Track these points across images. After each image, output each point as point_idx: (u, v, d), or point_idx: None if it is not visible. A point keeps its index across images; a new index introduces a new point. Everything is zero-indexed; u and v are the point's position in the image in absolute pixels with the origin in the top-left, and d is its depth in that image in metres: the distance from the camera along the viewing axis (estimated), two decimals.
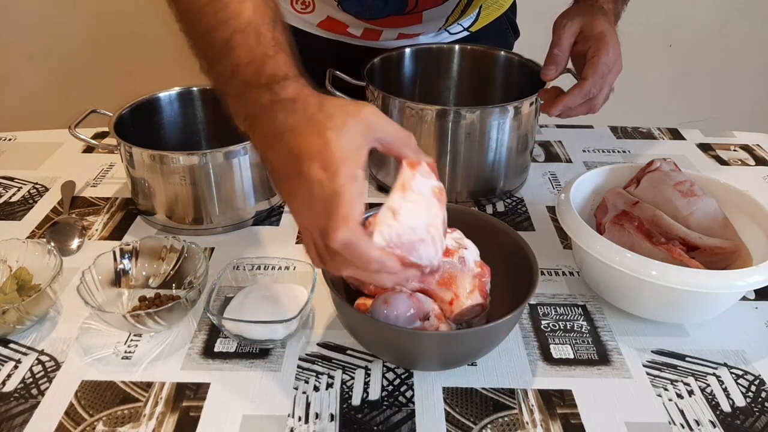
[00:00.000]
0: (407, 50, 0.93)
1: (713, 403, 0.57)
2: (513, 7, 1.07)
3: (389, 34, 0.97)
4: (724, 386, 0.58)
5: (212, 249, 0.75)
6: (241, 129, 0.52)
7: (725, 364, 0.61)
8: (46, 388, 0.57)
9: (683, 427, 0.54)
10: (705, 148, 1.00)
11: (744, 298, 0.68)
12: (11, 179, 0.89)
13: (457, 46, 0.95)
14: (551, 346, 0.62)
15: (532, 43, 0.97)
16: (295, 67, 0.51)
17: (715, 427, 0.54)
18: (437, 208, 0.49)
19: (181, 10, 0.56)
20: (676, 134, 1.04)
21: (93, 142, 0.79)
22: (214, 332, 0.63)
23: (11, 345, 0.62)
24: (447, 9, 0.92)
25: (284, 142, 0.46)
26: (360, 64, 0.86)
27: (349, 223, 0.43)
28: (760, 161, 0.97)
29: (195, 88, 0.85)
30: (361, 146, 0.46)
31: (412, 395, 0.57)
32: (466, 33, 1.02)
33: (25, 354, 0.61)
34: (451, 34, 1.01)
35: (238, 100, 0.51)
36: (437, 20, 0.94)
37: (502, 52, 0.93)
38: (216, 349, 0.61)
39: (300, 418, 0.54)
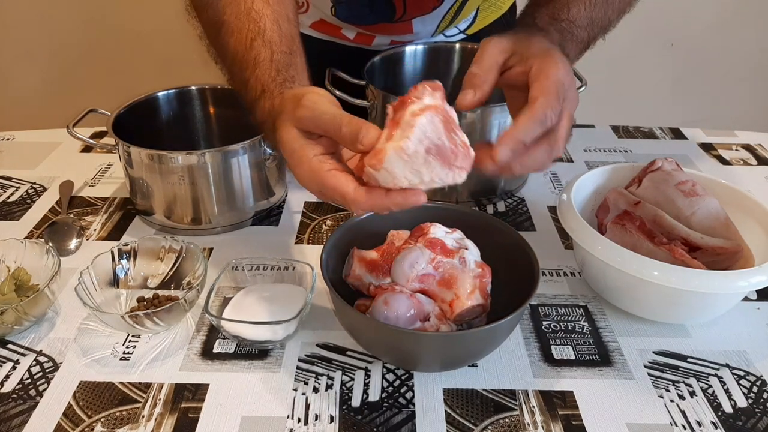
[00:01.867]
0: (407, 49, 0.92)
1: (715, 404, 0.56)
2: (513, 10, 1.07)
3: (381, 39, 0.96)
4: (725, 387, 0.58)
5: (211, 249, 0.75)
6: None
7: (727, 365, 0.60)
8: (45, 389, 0.57)
9: (685, 428, 0.54)
10: (707, 147, 1.00)
11: (746, 299, 0.68)
12: (9, 179, 0.89)
13: (457, 45, 0.94)
14: (552, 347, 0.62)
15: None
16: (261, 81, 0.56)
17: (716, 428, 0.54)
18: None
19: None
20: (677, 134, 1.04)
21: (91, 141, 0.79)
22: (213, 333, 0.63)
23: (9, 346, 0.61)
24: (436, 17, 0.92)
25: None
26: (354, 65, 0.86)
27: (348, 196, 0.47)
28: (762, 161, 0.96)
29: (193, 88, 0.85)
30: (304, 147, 0.49)
31: (413, 396, 0.56)
32: (462, 36, 1.02)
33: (23, 355, 0.60)
34: (446, 37, 1.01)
35: (256, 104, 0.57)
36: (428, 27, 0.94)
37: None
38: (215, 350, 0.61)
39: (299, 420, 0.54)
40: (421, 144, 0.45)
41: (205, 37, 0.66)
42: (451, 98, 1.01)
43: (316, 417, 0.54)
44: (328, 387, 0.57)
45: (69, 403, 0.55)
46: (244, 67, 0.58)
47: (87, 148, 0.96)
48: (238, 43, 0.59)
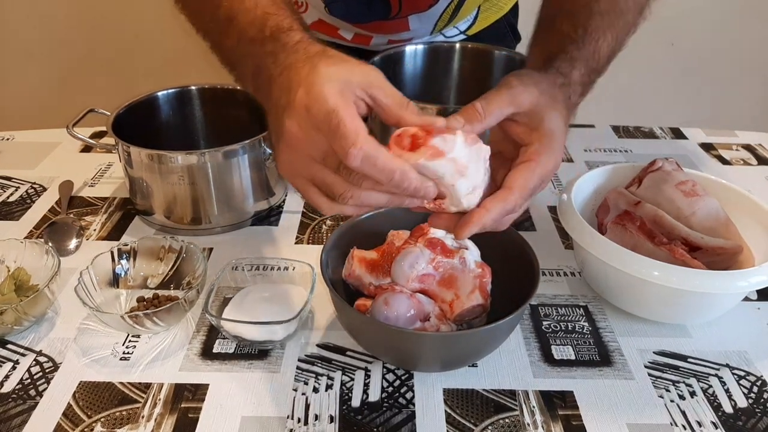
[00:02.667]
0: (407, 49, 0.92)
1: (715, 404, 0.56)
2: (514, 11, 1.06)
3: (379, 39, 0.96)
4: (726, 387, 0.58)
5: (211, 249, 0.75)
6: (249, 90, 0.52)
7: (727, 365, 0.60)
8: (44, 389, 0.57)
9: (685, 428, 0.54)
10: (707, 147, 1.00)
11: (746, 299, 0.68)
12: (9, 179, 0.89)
13: (458, 45, 0.94)
14: (552, 347, 0.61)
15: None
16: (300, 23, 0.51)
17: (717, 428, 0.54)
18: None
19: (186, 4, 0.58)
20: (678, 133, 1.04)
21: (91, 141, 0.79)
22: (213, 333, 0.63)
23: (9, 346, 0.61)
24: (433, 15, 0.92)
25: (281, 79, 0.47)
26: None
27: (362, 133, 0.42)
28: (762, 161, 0.96)
29: (193, 88, 0.85)
30: (350, 87, 0.45)
31: (413, 396, 0.56)
32: (462, 36, 1.01)
33: (23, 355, 0.60)
34: (446, 37, 1.00)
35: (244, 60, 0.51)
36: (425, 26, 0.94)
37: (504, 51, 0.92)
38: (215, 350, 0.61)
39: (299, 420, 0.54)
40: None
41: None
42: (453, 97, 1.01)
43: (316, 417, 0.54)
44: (328, 387, 0.57)
45: (69, 403, 0.55)
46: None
47: (87, 148, 0.96)
48: None
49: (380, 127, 0.82)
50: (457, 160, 0.46)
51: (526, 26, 1.09)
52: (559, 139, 0.52)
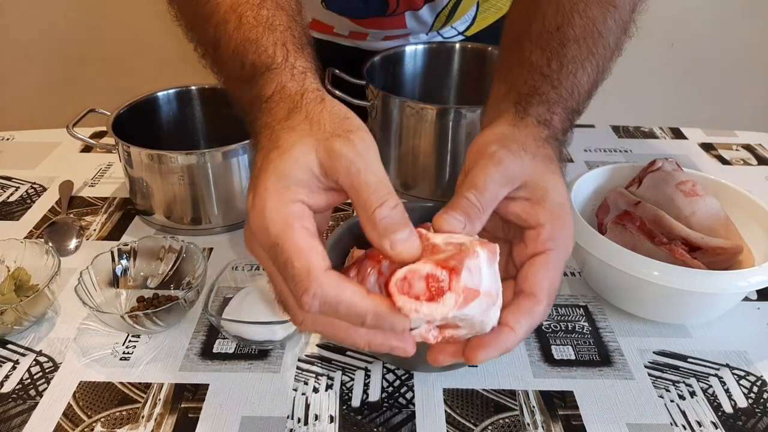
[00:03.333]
0: (407, 49, 0.92)
1: (715, 404, 0.56)
2: None
3: (375, 35, 0.96)
4: (726, 387, 0.58)
5: (211, 249, 0.75)
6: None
7: (727, 365, 0.60)
8: (44, 389, 0.57)
9: (685, 428, 0.54)
10: (707, 147, 1.00)
11: (746, 299, 0.68)
12: (9, 179, 0.89)
13: (457, 45, 0.94)
14: (552, 347, 0.61)
15: None
16: (282, 46, 0.43)
17: (717, 428, 0.54)
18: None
19: (181, 13, 0.53)
20: (678, 133, 1.04)
21: (91, 141, 0.79)
22: (213, 333, 0.63)
23: (9, 346, 0.61)
24: (430, 14, 0.91)
25: (254, 151, 0.40)
26: (352, 64, 0.86)
27: (314, 272, 0.34)
28: (762, 161, 0.96)
29: (193, 88, 0.85)
30: (306, 181, 0.37)
31: (413, 396, 0.56)
32: (461, 37, 1.01)
33: (23, 355, 0.60)
34: (445, 38, 1.00)
35: (235, 102, 0.46)
36: (421, 24, 0.94)
37: None
38: (215, 350, 0.61)
39: (299, 420, 0.54)
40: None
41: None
42: (453, 97, 1.01)
43: (316, 417, 0.54)
44: (328, 387, 0.57)
45: (69, 403, 0.55)
46: (251, 25, 0.44)
47: (87, 148, 0.96)
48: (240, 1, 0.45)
49: (380, 124, 0.82)
50: (489, 292, 0.36)
51: None
52: (569, 211, 0.43)
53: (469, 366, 0.59)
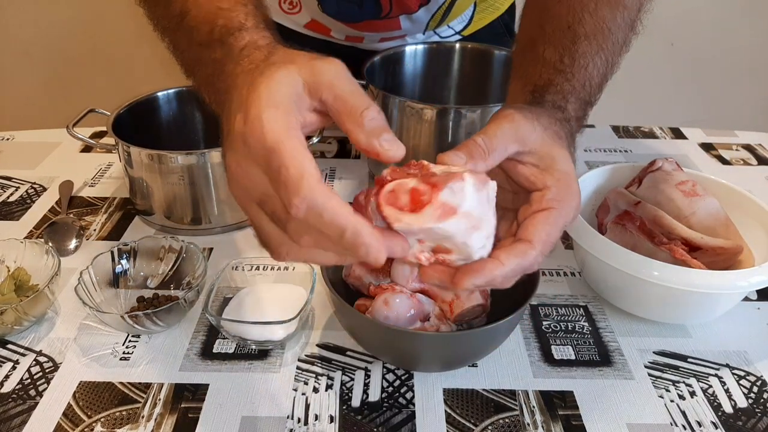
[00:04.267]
0: (407, 49, 0.92)
1: (715, 404, 0.56)
2: (511, 12, 1.06)
3: (371, 37, 0.96)
4: (726, 387, 0.58)
5: (211, 249, 0.75)
6: (207, 101, 0.46)
7: (727, 365, 0.60)
8: (44, 389, 0.57)
9: (685, 428, 0.54)
10: (707, 147, 1.00)
11: (746, 299, 0.68)
12: (9, 179, 0.89)
13: (457, 45, 0.94)
14: (552, 347, 0.62)
15: None
16: (253, 17, 0.44)
17: (717, 428, 0.54)
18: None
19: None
20: (678, 133, 1.04)
21: (91, 141, 0.79)
22: (213, 333, 0.63)
23: (9, 346, 0.61)
24: (425, 16, 0.92)
25: (225, 98, 0.41)
26: (351, 65, 0.85)
27: (307, 178, 0.35)
28: (762, 161, 0.96)
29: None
30: (295, 104, 0.38)
31: (413, 396, 0.56)
32: (458, 37, 1.02)
33: (23, 355, 0.60)
34: (442, 38, 1.00)
35: (197, 67, 0.46)
36: (416, 25, 0.94)
37: (504, 51, 0.92)
38: (215, 350, 0.61)
39: (299, 420, 0.54)
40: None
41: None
42: (453, 97, 1.01)
43: (316, 417, 0.54)
44: (328, 387, 0.57)
45: (69, 403, 0.55)
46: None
47: (87, 148, 0.96)
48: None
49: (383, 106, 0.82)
50: (470, 214, 0.38)
51: None
52: (575, 180, 0.45)
53: (469, 366, 0.59)
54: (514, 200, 0.47)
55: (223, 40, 0.43)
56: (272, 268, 0.68)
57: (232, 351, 0.61)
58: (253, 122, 0.36)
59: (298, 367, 0.59)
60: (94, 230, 0.78)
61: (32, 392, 0.56)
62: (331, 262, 0.39)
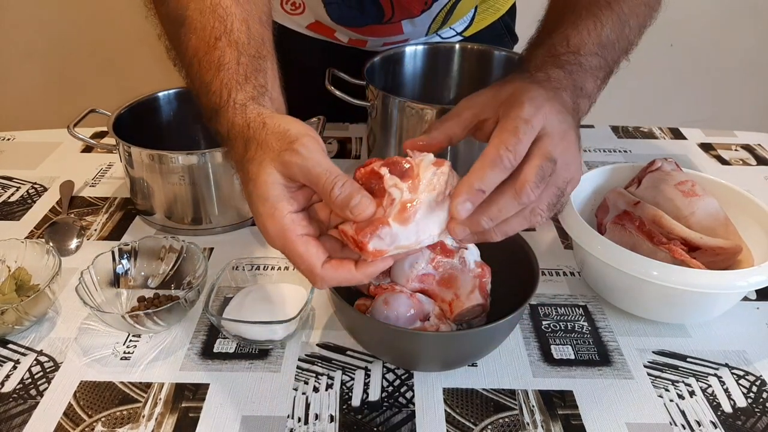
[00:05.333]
0: (407, 49, 0.92)
1: (714, 403, 0.56)
2: (511, 13, 1.06)
3: (375, 42, 0.97)
4: (725, 387, 0.58)
5: (211, 249, 0.75)
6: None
7: (726, 365, 0.60)
8: (45, 389, 0.57)
9: (684, 428, 0.54)
10: (706, 147, 1.00)
11: (745, 299, 0.68)
12: (10, 179, 0.89)
13: (457, 46, 0.94)
14: (552, 347, 0.62)
15: None
16: (226, 86, 0.50)
17: (716, 427, 0.54)
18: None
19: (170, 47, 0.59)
20: (677, 134, 1.04)
21: (92, 141, 0.79)
22: (214, 333, 0.63)
23: (10, 345, 0.61)
24: (426, 19, 0.92)
25: (240, 179, 0.49)
26: (353, 64, 0.86)
27: (316, 265, 0.45)
28: (761, 161, 0.96)
29: None
30: (282, 190, 0.46)
31: (413, 396, 0.56)
32: (459, 38, 1.02)
33: (23, 354, 0.60)
34: (443, 38, 1.01)
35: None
36: (418, 29, 0.94)
37: (503, 52, 0.92)
38: (215, 350, 0.61)
39: (299, 419, 0.54)
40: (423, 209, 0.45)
41: (164, 35, 0.59)
42: (453, 98, 1.01)
43: (317, 416, 0.54)
44: (329, 387, 0.57)
45: (69, 402, 0.55)
46: (206, 68, 0.51)
47: (87, 148, 0.97)
48: (200, 42, 0.52)
49: (380, 124, 0.82)
50: (402, 245, 0.46)
51: (523, 28, 1.10)
52: (525, 92, 0.48)
53: (469, 366, 0.59)
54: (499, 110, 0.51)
55: (213, 118, 0.51)
56: (272, 268, 0.68)
57: (232, 351, 0.61)
58: (263, 230, 0.46)
59: (298, 367, 0.59)
60: (95, 230, 0.78)
61: (33, 392, 0.57)
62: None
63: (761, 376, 0.59)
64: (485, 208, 0.45)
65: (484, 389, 0.57)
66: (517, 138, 0.45)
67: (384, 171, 0.46)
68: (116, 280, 0.67)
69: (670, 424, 0.54)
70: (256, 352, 0.61)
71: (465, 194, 0.44)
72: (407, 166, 0.46)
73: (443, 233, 0.47)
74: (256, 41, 0.53)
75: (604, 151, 0.98)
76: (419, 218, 0.45)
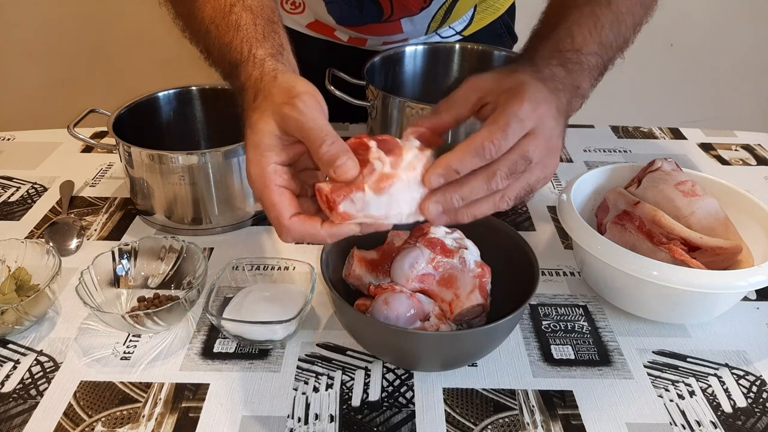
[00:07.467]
0: (407, 49, 0.93)
1: (714, 403, 0.56)
2: (511, 12, 1.07)
3: (374, 41, 0.97)
4: (725, 387, 0.58)
5: (211, 249, 0.75)
6: None
7: (726, 365, 0.60)
8: (45, 389, 0.57)
9: (684, 428, 0.54)
10: (706, 147, 1.00)
11: (745, 299, 0.68)
12: (10, 179, 0.89)
13: (457, 46, 0.94)
14: (552, 347, 0.62)
15: None
16: (248, 43, 0.53)
17: (716, 427, 0.54)
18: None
19: (185, 28, 0.63)
20: (677, 134, 1.04)
21: (92, 141, 0.79)
22: (214, 333, 0.63)
23: (10, 345, 0.62)
24: (425, 18, 0.92)
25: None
26: (353, 64, 0.86)
27: (284, 216, 0.47)
28: (761, 161, 0.96)
29: (194, 88, 0.85)
30: (274, 141, 0.48)
31: (413, 396, 0.56)
32: (459, 37, 1.02)
33: (23, 354, 0.60)
34: (442, 38, 1.01)
35: (234, 93, 0.56)
36: (417, 27, 0.94)
37: (503, 52, 0.92)
38: (215, 350, 0.61)
39: (299, 419, 0.54)
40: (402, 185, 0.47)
41: (179, 17, 0.63)
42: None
43: (317, 416, 0.54)
44: (329, 386, 0.57)
45: (69, 402, 0.55)
46: (225, 31, 0.55)
47: (88, 148, 0.97)
48: (216, 11, 0.57)
49: (380, 124, 0.82)
50: (372, 214, 0.47)
51: (523, 27, 1.10)
52: (527, 87, 0.49)
53: (469, 366, 0.59)
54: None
55: (233, 74, 0.54)
56: (272, 268, 0.68)
57: (232, 351, 0.61)
58: (247, 171, 0.49)
59: (298, 367, 0.59)
60: (95, 230, 0.78)
61: (33, 392, 0.57)
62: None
63: (761, 376, 0.59)
64: (457, 187, 0.47)
65: (484, 389, 0.57)
66: (505, 134, 0.47)
67: (372, 144, 0.48)
68: (116, 280, 0.67)
69: (670, 424, 0.54)
70: (256, 352, 0.61)
71: (441, 168, 0.47)
72: (393, 145, 0.48)
73: (412, 215, 0.48)
74: (267, 8, 0.57)
75: (604, 151, 0.98)
76: (393, 192, 0.46)
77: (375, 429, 0.53)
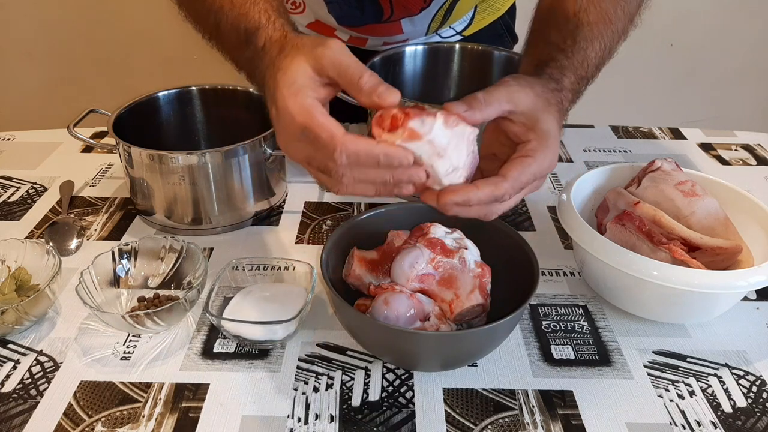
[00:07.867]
0: (407, 49, 0.92)
1: (714, 403, 0.56)
2: (511, 12, 1.07)
3: (374, 41, 0.97)
4: (725, 387, 0.58)
5: (211, 249, 0.75)
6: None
7: (726, 365, 0.60)
8: (45, 389, 0.57)
9: (684, 428, 0.54)
10: (706, 147, 1.00)
11: (745, 299, 0.68)
12: (10, 179, 0.89)
13: (457, 45, 0.94)
14: (552, 347, 0.62)
15: None
16: (266, 12, 0.55)
17: (716, 427, 0.54)
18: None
19: (188, 13, 0.64)
20: (677, 134, 1.04)
21: (92, 141, 0.79)
22: (214, 333, 0.63)
23: (10, 345, 0.62)
24: (425, 18, 0.92)
25: (264, 89, 0.53)
26: None
27: (337, 135, 0.46)
28: (761, 161, 0.96)
29: (194, 88, 0.85)
30: (310, 85, 0.49)
31: (413, 396, 0.56)
32: (459, 37, 1.02)
33: (23, 354, 0.60)
34: (443, 38, 1.01)
35: (239, 65, 0.57)
36: (418, 28, 0.94)
37: (503, 52, 0.92)
38: (215, 350, 0.61)
39: (299, 419, 0.54)
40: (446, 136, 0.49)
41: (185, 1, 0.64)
42: (453, 97, 1.01)
43: (317, 416, 0.54)
44: (329, 386, 0.57)
45: (69, 402, 0.55)
46: (240, 3, 0.56)
47: (87, 148, 0.97)
48: None
49: None
50: (434, 142, 0.47)
51: (523, 27, 1.10)
52: (555, 140, 0.53)
53: (469, 366, 0.59)
54: (507, 152, 0.55)
55: (249, 41, 0.54)
56: (272, 268, 0.68)
57: (232, 351, 0.61)
58: (283, 111, 0.48)
59: (298, 367, 0.59)
60: (95, 230, 0.78)
61: (33, 392, 0.57)
62: (369, 193, 0.50)
63: (761, 376, 0.59)
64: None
65: (484, 389, 0.57)
66: (524, 185, 0.52)
67: (414, 111, 0.48)
68: (116, 280, 0.67)
69: (670, 424, 0.54)
70: (256, 352, 0.61)
71: (461, 199, 0.50)
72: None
73: (458, 171, 0.50)
74: None
75: (604, 151, 0.98)
76: (457, 132, 0.49)
77: (375, 429, 0.53)
